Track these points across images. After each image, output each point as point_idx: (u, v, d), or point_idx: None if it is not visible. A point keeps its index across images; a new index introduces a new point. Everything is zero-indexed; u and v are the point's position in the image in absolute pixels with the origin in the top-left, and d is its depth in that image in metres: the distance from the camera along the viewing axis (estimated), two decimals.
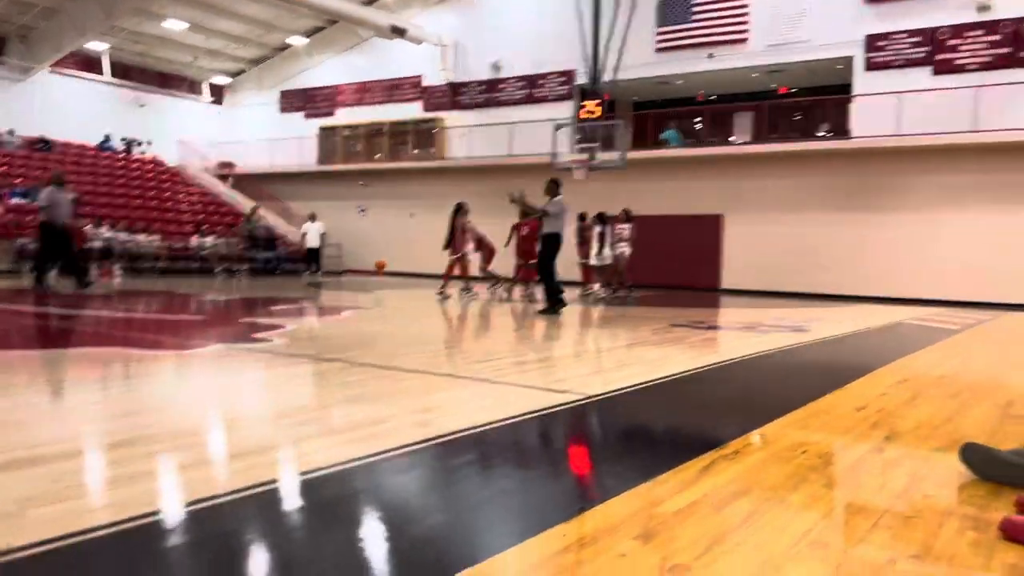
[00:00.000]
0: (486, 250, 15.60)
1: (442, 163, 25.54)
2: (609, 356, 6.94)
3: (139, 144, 28.98)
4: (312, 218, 22.77)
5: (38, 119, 26.75)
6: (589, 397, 4.43)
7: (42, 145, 25.49)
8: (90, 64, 28.48)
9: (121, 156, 27.75)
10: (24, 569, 1.87)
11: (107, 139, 27.95)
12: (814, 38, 20.06)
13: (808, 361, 6.94)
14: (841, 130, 19.95)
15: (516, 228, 14.48)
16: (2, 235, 18.65)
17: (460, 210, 14.23)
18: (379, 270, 15.45)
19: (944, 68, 18.44)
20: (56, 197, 12.33)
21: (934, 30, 18.61)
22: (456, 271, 14.35)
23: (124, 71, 29.65)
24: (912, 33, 18.90)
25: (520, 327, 9.47)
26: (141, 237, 20.63)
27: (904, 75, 18.93)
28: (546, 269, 10.93)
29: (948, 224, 17.99)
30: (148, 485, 2.61)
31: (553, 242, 10.79)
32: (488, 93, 25.59)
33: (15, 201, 20.46)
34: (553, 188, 10.96)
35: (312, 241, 22.51)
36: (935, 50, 18.60)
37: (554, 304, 10.57)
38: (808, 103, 20.95)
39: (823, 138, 20.05)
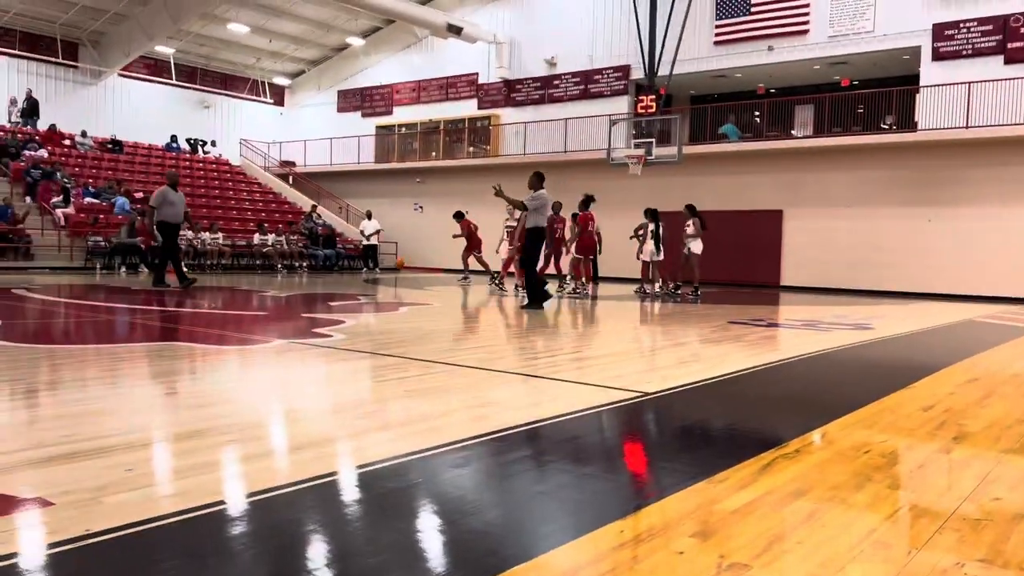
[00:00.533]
0: (476, 241, 16.32)
1: (497, 160, 25.61)
2: (667, 353, 6.88)
3: (203, 144, 29.81)
4: (368, 216, 23.12)
5: (109, 121, 27.76)
6: (646, 394, 4.41)
7: (113, 146, 26.40)
8: (157, 67, 29.38)
9: (187, 156, 28.58)
10: (101, 553, 1.96)
11: (173, 140, 28.81)
12: (878, 28, 19.50)
13: (872, 359, 6.77)
14: (907, 123, 19.37)
15: (579, 220, 14.64)
16: (76, 234, 19.36)
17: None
18: (399, 267, 16.30)
19: (1017, 57, 17.73)
20: (170, 197, 12.41)
21: (1006, 17, 17.90)
22: (513, 266, 14.51)
23: (189, 74, 30.52)
24: (982, 21, 18.22)
25: (578, 323, 9.45)
26: (205, 235, 21.20)
27: (973, 65, 18.27)
28: (531, 263, 10.85)
29: (1020, 218, 17.31)
30: (214, 475, 2.69)
31: (535, 236, 10.70)
32: (543, 90, 25.56)
33: (88, 201, 21.23)
34: (535, 182, 10.82)
35: (369, 238, 22.87)
36: (1007, 38, 17.89)
37: (538, 298, 10.42)
38: (872, 95, 20.37)
39: (888, 131, 19.48)
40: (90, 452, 2.84)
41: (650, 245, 14.54)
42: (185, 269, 13.44)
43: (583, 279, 14.39)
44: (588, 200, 14.67)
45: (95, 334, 7.21)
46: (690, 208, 14.54)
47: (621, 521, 2.27)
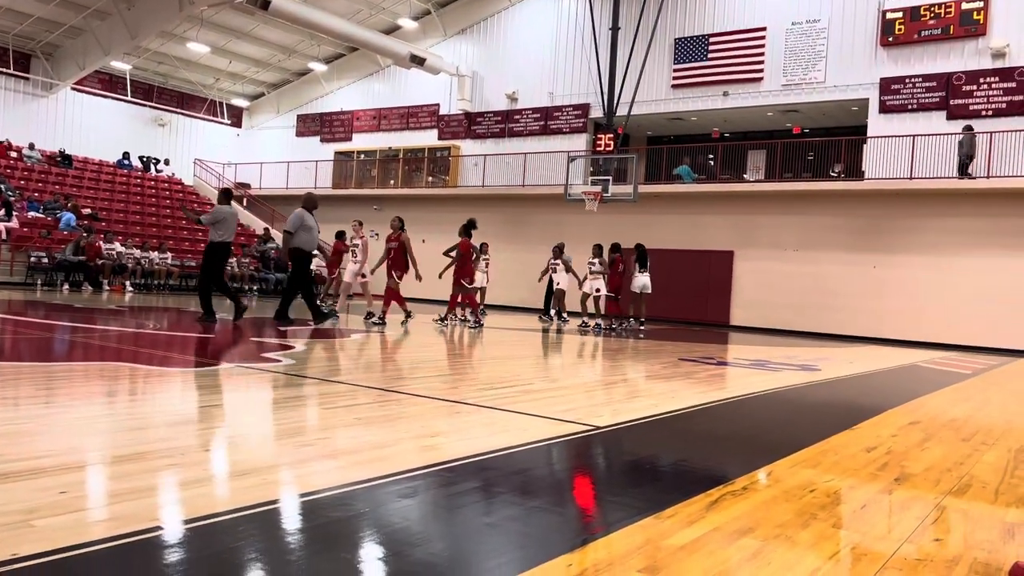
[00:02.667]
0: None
1: (455, 191, 25.69)
2: (617, 388, 6.91)
3: (156, 162, 29.31)
4: None
5: (59, 135, 27.16)
6: (597, 428, 4.41)
7: (62, 160, 25.80)
8: (112, 83, 28.90)
9: (138, 174, 28.05)
10: None
11: (126, 156, 28.27)
12: (829, 79, 20.18)
13: (818, 400, 6.89)
14: (854, 171, 19.99)
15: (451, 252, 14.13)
16: (18, 248, 18.79)
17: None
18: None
19: (958, 113, 18.48)
20: (307, 221, 11.13)
21: (949, 75, 18.68)
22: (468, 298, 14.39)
23: (145, 91, 30.08)
24: (927, 78, 18.98)
25: (529, 355, 9.45)
26: (154, 254, 20.75)
27: (917, 119, 18.99)
28: (208, 277, 11.14)
29: (960, 268, 17.91)
30: (151, 500, 2.60)
31: (213, 251, 11.09)
32: (503, 123, 25.80)
33: (31, 215, 20.66)
34: (221, 198, 11.56)
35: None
36: (949, 95, 18.66)
37: (208, 314, 10.66)
38: (822, 143, 21.03)
39: (836, 179, 20.08)
40: (22, 473, 2.73)
41: (558, 278, 15.47)
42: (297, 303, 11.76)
43: (458, 309, 14.40)
44: (470, 225, 13.84)
45: (31, 352, 6.97)
46: (597, 248, 14.90)
47: (569, 555, 2.25)
